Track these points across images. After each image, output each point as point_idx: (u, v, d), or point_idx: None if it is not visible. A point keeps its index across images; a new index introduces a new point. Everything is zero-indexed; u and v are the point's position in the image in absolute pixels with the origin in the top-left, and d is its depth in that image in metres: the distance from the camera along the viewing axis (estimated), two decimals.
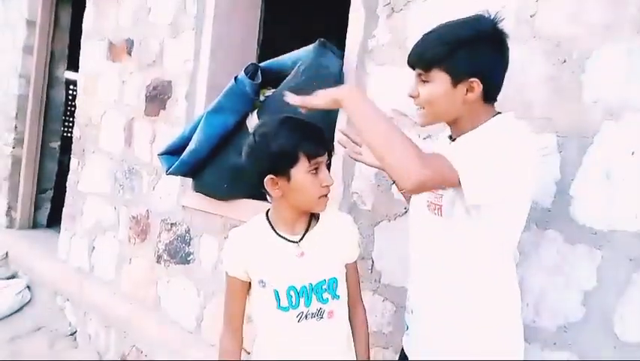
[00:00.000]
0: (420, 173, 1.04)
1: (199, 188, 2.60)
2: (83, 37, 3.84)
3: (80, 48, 3.89)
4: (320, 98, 1.22)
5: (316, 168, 1.26)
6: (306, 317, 1.30)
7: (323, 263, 1.33)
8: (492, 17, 1.18)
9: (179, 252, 2.85)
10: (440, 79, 1.18)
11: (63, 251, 3.88)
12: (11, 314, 3.64)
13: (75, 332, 3.51)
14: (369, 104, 1.17)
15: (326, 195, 1.30)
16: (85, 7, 3.85)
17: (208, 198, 2.58)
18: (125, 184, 3.30)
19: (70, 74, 5.21)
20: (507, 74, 1.23)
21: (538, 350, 1.50)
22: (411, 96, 1.25)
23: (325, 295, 1.31)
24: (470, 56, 1.15)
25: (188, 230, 2.80)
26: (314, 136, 1.28)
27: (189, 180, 2.68)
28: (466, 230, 1.19)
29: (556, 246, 1.47)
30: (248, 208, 2.42)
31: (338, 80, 2.07)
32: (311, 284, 1.30)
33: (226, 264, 1.37)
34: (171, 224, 2.92)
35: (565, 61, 1.49)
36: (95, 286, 3.43)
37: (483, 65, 1.17)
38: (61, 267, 3.80)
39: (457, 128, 1.25)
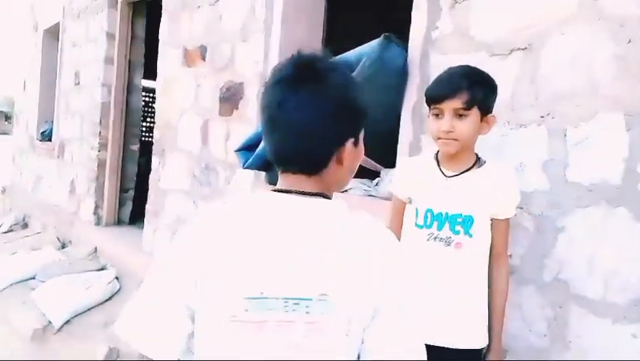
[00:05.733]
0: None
1: (272, 180, 2.77)
2: (160, 45, 4.12)
3: (154, 57, 4.19)
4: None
5: (437, 115, 1.47)
6: (434, 238, 1.46)
7: (464, 201, 1.46)
8: None
9: None
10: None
11: (147, 244, 4.20)
12: (104, 302, 3.98)
13: None
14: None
15: (442, 139, 1.45)
16: (159, 18, 4.15)
17: None
18: (202, 180, 3.54)
19: (145, 82, 5.57)
20: (572, 55, 1.41)
21: (610, 324, 1.53)
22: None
23: (458, 228, 1.45)
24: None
25: None
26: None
27: (262, 174, 2.86)
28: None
29: (625, 222, 1.50)
30: None
31: (403, 71, 2.17)
32: (447, 213, 1.46)
33: (393, 185, 1.67)
34: None
35: (630, 41, 1.52)
36: None
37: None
38: (146, 258, 4.10)
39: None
